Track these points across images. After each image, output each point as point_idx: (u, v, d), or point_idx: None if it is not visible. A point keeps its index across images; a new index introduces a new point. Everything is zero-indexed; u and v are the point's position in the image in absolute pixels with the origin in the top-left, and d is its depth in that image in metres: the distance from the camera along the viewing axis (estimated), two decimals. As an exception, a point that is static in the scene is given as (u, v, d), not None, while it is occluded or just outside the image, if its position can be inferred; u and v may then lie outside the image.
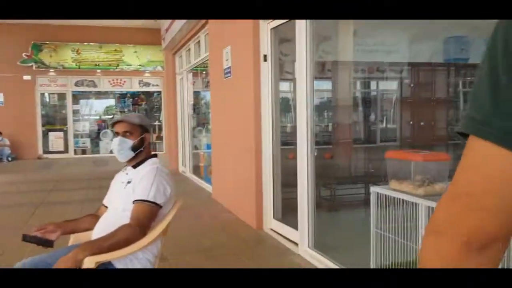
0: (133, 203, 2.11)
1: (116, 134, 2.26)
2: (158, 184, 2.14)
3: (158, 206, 2.14)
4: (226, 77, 5.59)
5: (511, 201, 0.52)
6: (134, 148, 2.25)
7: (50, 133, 13.74)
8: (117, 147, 2.23)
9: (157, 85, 14.36)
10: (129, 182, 2.20)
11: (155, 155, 2.37)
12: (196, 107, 9.62)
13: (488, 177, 0.52)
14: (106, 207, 2.35)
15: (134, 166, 2.28)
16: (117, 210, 2.18)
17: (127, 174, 2.28)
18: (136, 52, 13.67)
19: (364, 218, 3.31)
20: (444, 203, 0.56)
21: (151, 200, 2.11)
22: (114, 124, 2.28)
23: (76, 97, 14.24)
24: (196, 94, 9.78)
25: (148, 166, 2.24)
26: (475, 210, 0.53)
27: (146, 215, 2.08)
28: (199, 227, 4.86)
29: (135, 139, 2.26)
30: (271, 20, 4.51)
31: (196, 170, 8.58)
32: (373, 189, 2.85)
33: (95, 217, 2.33)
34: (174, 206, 2.29)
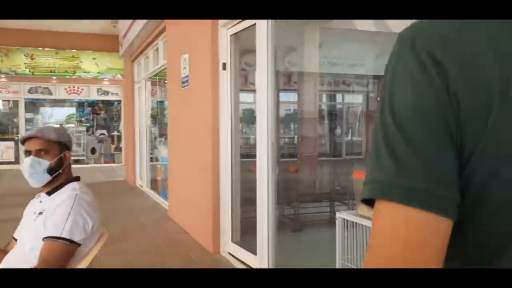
0: (43, 241, 1.68)
1: (27, 153, 1.83)
2: (76, 216, 1.72)
3: (75, 245, 1.71)
4: (184, 86, 5.21)
5: (428, 259, 0.52)
6: (50, 171, 1.82)
7: (0, 143, 12.90)
8: (29, 169, 1.79)
9: (116, 93, 13.75)
10: (40, 213, 1.77)
11: (76, 179, 1.93)
12: (157, 118, 9.18)
13: (401, 238, 0.52)
14: (16, 240, 1.91)
15: (49, 193, 1.84)
16: (24, 247, 1.75)
17: (40, 202, 1.85)
18: (95, 59, 13.05)
19: (330, 240, 2.98)
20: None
21: (66, 237, 1.68)
22: (24, 140, 1.84)
23: (35, 105, 13.46)
24: (159, 104, 9.34)
25: (66, 192, 1.81)
26: None
27: (59, 256, 1.65)
28: (150, 249, 4.41)
29: (52, 159, 1.83)
30: (231, 25, 4.17)
31: (153, 184, 8.09)
32: (339, 215, 2.52)
33: (4, 253, 1.89)
34: (99, 240, 1.87)
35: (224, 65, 4.29)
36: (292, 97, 7.49)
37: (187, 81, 5.09)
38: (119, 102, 13.83)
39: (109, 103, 14.16)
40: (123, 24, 8.95)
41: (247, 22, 3.88)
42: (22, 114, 13.14)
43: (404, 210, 0.51)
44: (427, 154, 0.51)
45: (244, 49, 4.56)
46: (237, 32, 4.18)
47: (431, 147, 0.51)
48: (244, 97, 5.67)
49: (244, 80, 5.53)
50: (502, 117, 0.49)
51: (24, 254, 1.71)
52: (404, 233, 0.51)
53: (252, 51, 3.81)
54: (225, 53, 4.30)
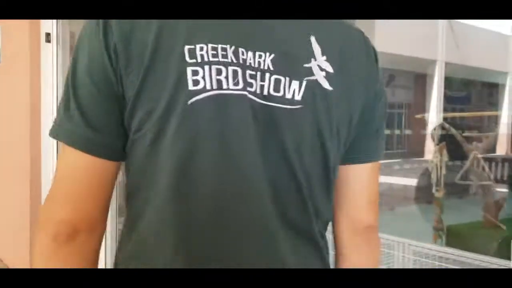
0: None
1: None
2: None
3: None
4: (-6, 65, 4.07)
5: (81, 193, 0.63)
6: None
7: None
8: None
9: None
10: None
11: None
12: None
13: (62, 172, 0.64)
14: None
15: None
16: None
17: None
18: None
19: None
20: (46, 198, 0.64)
21: None
22: None
23: None
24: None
25: None
26: (56, 203, 0.63)
27: None
28: None
29: None
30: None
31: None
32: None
33: None
34: None
35: (48, 36, 3.36)
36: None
37: (-2, 58, 3.97)
38: None
39: None
40: None
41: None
42: None
43: (68, 150, 0.63)
44: (85, 104, 0.62)
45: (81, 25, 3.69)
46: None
47: (89, 99, 0.62)
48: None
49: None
50: (150, 72, 0.61)
51: None
52: (64, 168, 0.63)
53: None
54: (50, 21, 3.38)
